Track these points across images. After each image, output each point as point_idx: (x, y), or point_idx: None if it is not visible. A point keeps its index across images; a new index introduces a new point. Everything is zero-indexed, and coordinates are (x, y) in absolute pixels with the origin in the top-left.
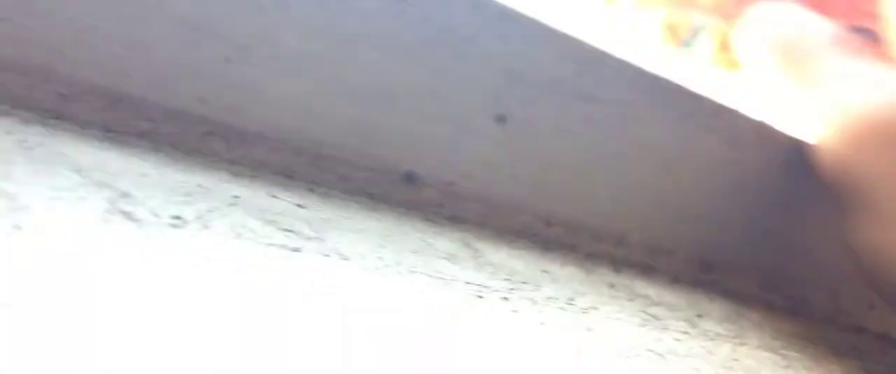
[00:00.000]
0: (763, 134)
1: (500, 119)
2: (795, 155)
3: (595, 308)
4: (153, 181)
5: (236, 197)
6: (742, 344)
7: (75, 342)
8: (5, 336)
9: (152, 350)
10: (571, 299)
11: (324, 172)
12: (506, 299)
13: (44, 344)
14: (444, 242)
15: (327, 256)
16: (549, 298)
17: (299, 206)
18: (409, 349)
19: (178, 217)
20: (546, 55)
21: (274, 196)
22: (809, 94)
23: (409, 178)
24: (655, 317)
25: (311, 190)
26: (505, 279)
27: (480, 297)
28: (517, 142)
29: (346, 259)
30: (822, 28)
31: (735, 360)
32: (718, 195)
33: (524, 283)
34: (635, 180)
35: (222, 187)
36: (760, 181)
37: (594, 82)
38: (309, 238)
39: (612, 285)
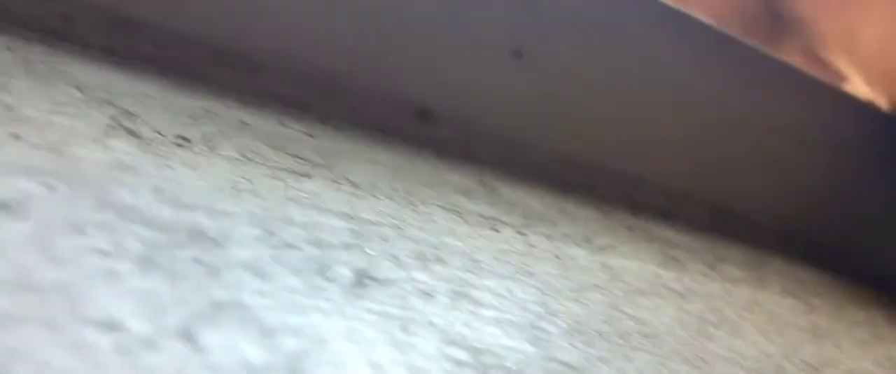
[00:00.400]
0: (791, 76)
1: (517, 54)
2: (824, 99)
3: (612, 247)
4: (157, 103)
5: (244, 123)
6: (763, 289)
7: (66, 244)
8: (21, 244)
9: (136, 256)
10: (588, 238)
11: (335, 104)
12: (521, 233)
13: (39, 246)
14: (458, 177)
15: (338, 183)
16: (566, 234)
17: (309, 135)
18: (426, 272)
19: (183, 137)
20: None
21: (283, 124)
22: None
23: (423, 113)
24: (675, 259)
25: (321, 121)
26: (520, 216)
27: (496, 230)
28: (534, 78)
29: (356, 187)
30: None
31: (756, 303)
32: (740, 139)
33: (540, 219)
34: (655, 122)
35: (230, 112)
36: (785, 126)
37: (615, 17)
38: (318, 165)
39: (630, 228)
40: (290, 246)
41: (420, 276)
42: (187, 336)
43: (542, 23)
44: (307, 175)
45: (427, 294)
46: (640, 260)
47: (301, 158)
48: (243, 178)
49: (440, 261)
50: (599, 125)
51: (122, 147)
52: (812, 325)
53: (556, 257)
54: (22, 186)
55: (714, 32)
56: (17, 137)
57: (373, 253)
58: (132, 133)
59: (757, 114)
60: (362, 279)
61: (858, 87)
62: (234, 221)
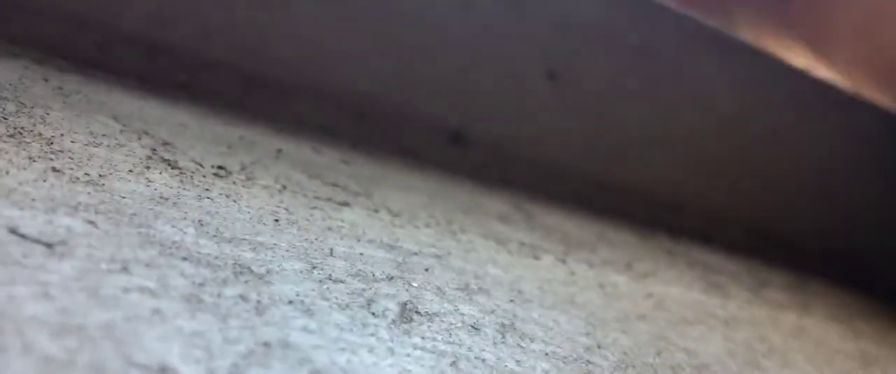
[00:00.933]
0: (831, 96)
1: (551, 75)
2: (866, 119)
3: (654, 274)
4: (193, 132)
5: (280, 151)
6: (808, 314)
7: (111, 284)
8: (44, 275)
9: (183, 294)
10: (629, 264)
11: (368, 130)
12: (563, 261)
13: (84, 286)
14: (495, 203)
15: (376, 212)
16: (607, 261)
17: (344, 162)
18: (472, 304)
19: (221, 167)
20: (600, 5)
21: (318, 151)
22: None
23: (456, 137)
24: (717, 285)
25: (355, 147)
26: (560, 242)
27: (537, 258)
28: (569, 100)
29: (395, 215)
30: None
31: (802, 330)
32: (781, 161)
33: (580, 246)
34: (693, 143)
35: (265, 140)
36: (827, 147)
37: (651, 36)
38: (356, 194)
39: (670, 252)
40: (334, 280)
41: (466, 308)
42: None
43: (576, 43)
44: (346, 204)
45: (474, 328)
46: (683, 286)
47: (338, 187)
48: (283, 208)
49: (484, 292)
50: (636, 148)
51: (161, 179)
52: (860, 351)
53: (599, 285)
54: (64, 222)
55: (752, 52)
56: (57, 170)
57: (417, 285)
58: (171, 164)
59: (797, 135)
60: (409, 313)
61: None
62: (278, 254)
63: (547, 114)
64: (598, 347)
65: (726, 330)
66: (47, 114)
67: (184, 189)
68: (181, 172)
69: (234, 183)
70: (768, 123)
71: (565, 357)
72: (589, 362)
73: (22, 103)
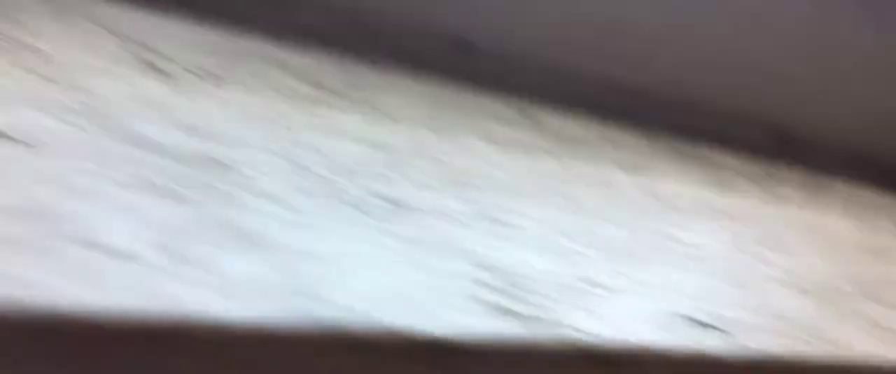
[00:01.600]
0: None
1: None
2: (890, 13)
3: (663, 173)
4: (182, 39)
5: (276, 57)
6: (824, 212)
7: (86, 177)
8: (39, 178)
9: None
10: (635, 164)
11: (371, 39)
12: (559, 158)
13: (72, 187)
14: (499, 108)
15: (372, 114)
16: (612, 160)
17: (344, 70)
18: (463, 200)
19: (211, 73)
20: None
21: (316, 59)
22: None
23: (461, 45)
24: (729, 184)
25: (357, 55)
26: (563, 142)
27: (536, 158)
28: None
29: (396, 122)
30: None
31: (816, 226)
32: (802, 59)
33: (583, 145)
34: (708, 42)
35: (262, 47)
36: (846, 43)
37: None
38: (353, 100)
39: (679, 152)
40: (317, 175)
41: (455, 204)
42: (207, 265)
43: None
44: (340, 108)
45: (462, 222)
46: (692, 185)
47: (336, 93)
48: (273, 111)
49: (476, 188)
50: (646, 48)
51: (143, 82)
52: (874, 246)
53: (601, 183)
54: (41, 121)
55: None
56: (35, 72)
57: (404, 181)
58: (155, 67)
59: (813, 28)
60: (393, 207)
61: None
62: (264, 153)
63: (554, 14)
64: (594, 241)
65: (734, 225)
66: (30, 19)
67: (168, 92)
68: (167, 76)
69: (219, 86)
70: (783, 18)
71: (557, 249)
72: (581, 254)
73: (4, 9)
